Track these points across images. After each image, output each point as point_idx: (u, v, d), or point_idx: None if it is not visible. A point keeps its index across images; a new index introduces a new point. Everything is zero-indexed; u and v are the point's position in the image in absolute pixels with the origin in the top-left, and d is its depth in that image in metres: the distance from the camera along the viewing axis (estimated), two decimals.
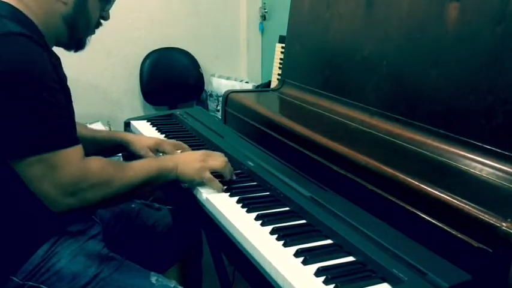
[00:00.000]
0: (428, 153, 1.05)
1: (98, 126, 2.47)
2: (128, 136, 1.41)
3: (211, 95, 2.93)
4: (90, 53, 2.63)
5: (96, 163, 1.03)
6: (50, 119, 0.96)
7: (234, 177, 1.20)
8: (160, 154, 1.37)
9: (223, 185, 1.15)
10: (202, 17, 2.93)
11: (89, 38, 1.18)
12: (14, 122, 0.93)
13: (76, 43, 1.17)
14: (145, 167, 1.10)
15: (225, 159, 1.19)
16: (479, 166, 0.95)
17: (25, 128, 0.93)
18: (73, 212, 1.01)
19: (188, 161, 1.16)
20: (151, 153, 1.35)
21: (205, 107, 2.96)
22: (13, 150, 0.95)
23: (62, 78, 1.05)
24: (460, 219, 0.81)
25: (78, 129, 1.32)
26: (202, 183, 1.17)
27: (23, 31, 0.96)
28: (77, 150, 1.00)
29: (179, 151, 1.36)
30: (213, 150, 1.40)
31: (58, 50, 1.19)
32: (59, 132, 0.97)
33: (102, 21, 1.20)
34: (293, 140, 1.26)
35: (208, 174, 1.14)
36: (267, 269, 0.87)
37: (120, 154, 2.35)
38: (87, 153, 1.38)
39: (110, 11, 1.22)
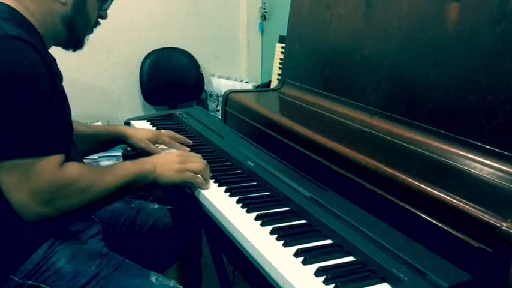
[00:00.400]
0: (428, 153, 1.05)
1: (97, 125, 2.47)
2: (126, 130, 1.42)
3: (211, 95, 2.93)
4: (90, 53, 2.66)
5: (74, 170, 0.99)
6: (35, 126, 0.94)
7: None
8: (163, 146, 1.39)
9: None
10: (202, 17, 2.93)
11: (87, 37, 1.18)
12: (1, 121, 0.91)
13: (75, 43, 1.16)
14: (123, 170, 1.08)
15: (204, 161, 1.18)
16: (479, 166, 0.95)
17: (7, 132, 0.92)
18: (45, 221, 0.97)
19: (166, 163, 1.14)
20: (152, 145, 1.37)
21: (205, 107, 2.96)
22: None
23: (55, 80, 1.04)
24: (460, 219, 0.81)
25: (76, 127, 1.33)
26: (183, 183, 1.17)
27: (19, 34, 0.94)
28: (56, 159, 0.96)
29: (168, 150, 1.38)
30: (213, 150, 1.41)
31: (58, 50, 1.19)
32: (41, 139, 0.95)
33: (100, 20, 1.19)
34: (293, 140, 1.26)
35: (189, 174, 1.13)
36: (267, 268, 0.87)
37: (120, 154, 2.36)
38: (86, 150, 1.38)
39: (108, 10, 1.21)
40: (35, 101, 0.94)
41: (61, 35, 1.12)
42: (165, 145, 1.40)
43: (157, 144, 1.39)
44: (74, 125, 1.33)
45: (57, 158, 0.97)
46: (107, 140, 1.41)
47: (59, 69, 1.17)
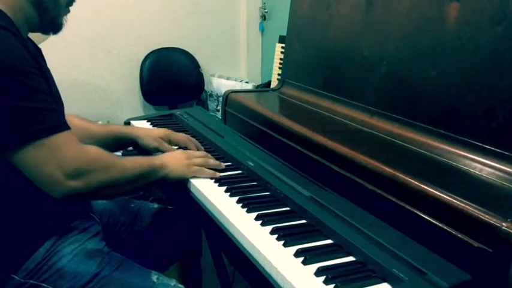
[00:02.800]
0: (428, 153, 1.05)
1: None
2: (138, 131, 1.41)
3: (211, 95, 2.93)
4: (90, 53, 2.65)
5: (94, 149, 1.04)
6: (39, 105, 0.95)
7: (223, 165, 1.25)
8: (175, 147, 1.37)
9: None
10: (202, 17, 2.93)
11: (65, 18, 1.13)
12: (4, 113, 0.92)
13: (50, 25, 1.12)
14: (137, 161, 1.12)
15: (205, 153, 1.27)
16: (479, 166, 0.95)
17: (17, 117, 0.93)
18: (74, 200, 1.01)
19: (175, 160, 1.19)
20: (166, 145, 1.36)
21: (205, 107, 2.96)
22: (8, 141, 0.94)
23: (41, 65, 1.03)
24: (460, 219, 0.81)
25: (89, 126, 1.34)
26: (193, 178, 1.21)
27: None
28: (71, 134, 1.00)
29: (175, 147, 1.38)
30: (213, 150, 1.41)
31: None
32: (50, 116, 0.97)
33: None
34: (293, 140, 1.26)
35: (197, 167, 1.20)
36: (267, 268, 0.87)
37: (121, 154, 2.36)
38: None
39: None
40: (30, 81, 0.94)
41: (33, 18, 1.07)
42: (180, 145, 1.39)
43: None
44: (87, 124, 1.34)
45: (71, 133, 1.00)
46: (119, 141, 1.40)
47: (45, 63, 1.16)
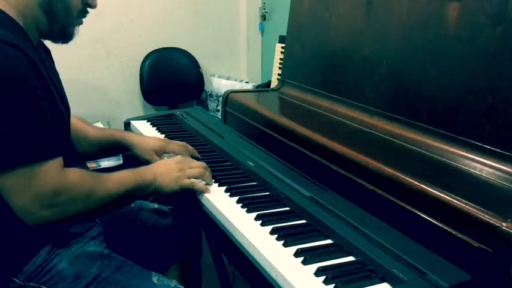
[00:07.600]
0: (428, 153, 1.05)
1: (98, 126, 2.47)
2: (133, 138, 1.38)
3: (211, 95, 2.93)
4: (90, 53, 2.65)
5: (76, 175, 0.99)
6: (30, 131, 0.92)
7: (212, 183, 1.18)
8: (166, 157, 1.34)
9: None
10: (202, 17, 2.93)
11: (77, 28, 1.11)
12: None
13: (60, 33, 1.09)
14: (123, 180, 1.07)
15: (204, 165, 1.18)
16: (479, 166, 0.95)
17: (4, 140, 0.90)
18: (49, 225, 0.97)
19: (166, 172, 1.14)
20: (157, 158, 1.32)
21: (205, 107, 2.96)
22: None
23: (45, 80, 1.00)
24: (460, 219, 0.81)
25: (85, 127, 1.29)
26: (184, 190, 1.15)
27: (3, 36, 0.91)
28: (56, 162, 0.96)
29: (177, 156, 1.36)
30: (213, 150, 1.41)
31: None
32: (39, 144, 0.94)
33: (89, 9, 1.11)
34: (293, 140, 1.26)
35: (187, 181, 1.14)
36: (267, 268, 0.87)
37: (120, 155, 2.35)
38: (93, 153, 1.36)
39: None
40: (28, 104, 0.92)
41: (43, 24, 1.05)
42: (175, 153, 1.35)
43: (164, 154, 1.36)
44: (84, 126, 1.32)
45: (57, 162, 0.96)
46: (113, 146, 1.38)
47: (53, 65, 1.14)
